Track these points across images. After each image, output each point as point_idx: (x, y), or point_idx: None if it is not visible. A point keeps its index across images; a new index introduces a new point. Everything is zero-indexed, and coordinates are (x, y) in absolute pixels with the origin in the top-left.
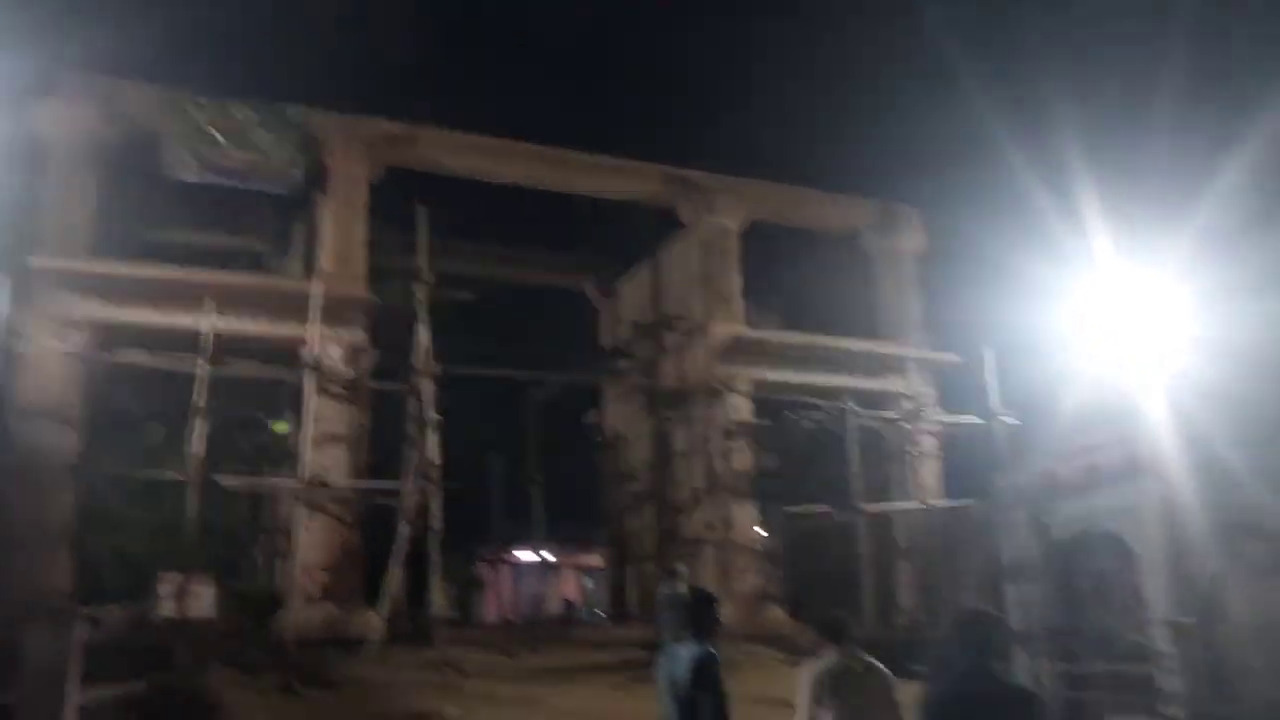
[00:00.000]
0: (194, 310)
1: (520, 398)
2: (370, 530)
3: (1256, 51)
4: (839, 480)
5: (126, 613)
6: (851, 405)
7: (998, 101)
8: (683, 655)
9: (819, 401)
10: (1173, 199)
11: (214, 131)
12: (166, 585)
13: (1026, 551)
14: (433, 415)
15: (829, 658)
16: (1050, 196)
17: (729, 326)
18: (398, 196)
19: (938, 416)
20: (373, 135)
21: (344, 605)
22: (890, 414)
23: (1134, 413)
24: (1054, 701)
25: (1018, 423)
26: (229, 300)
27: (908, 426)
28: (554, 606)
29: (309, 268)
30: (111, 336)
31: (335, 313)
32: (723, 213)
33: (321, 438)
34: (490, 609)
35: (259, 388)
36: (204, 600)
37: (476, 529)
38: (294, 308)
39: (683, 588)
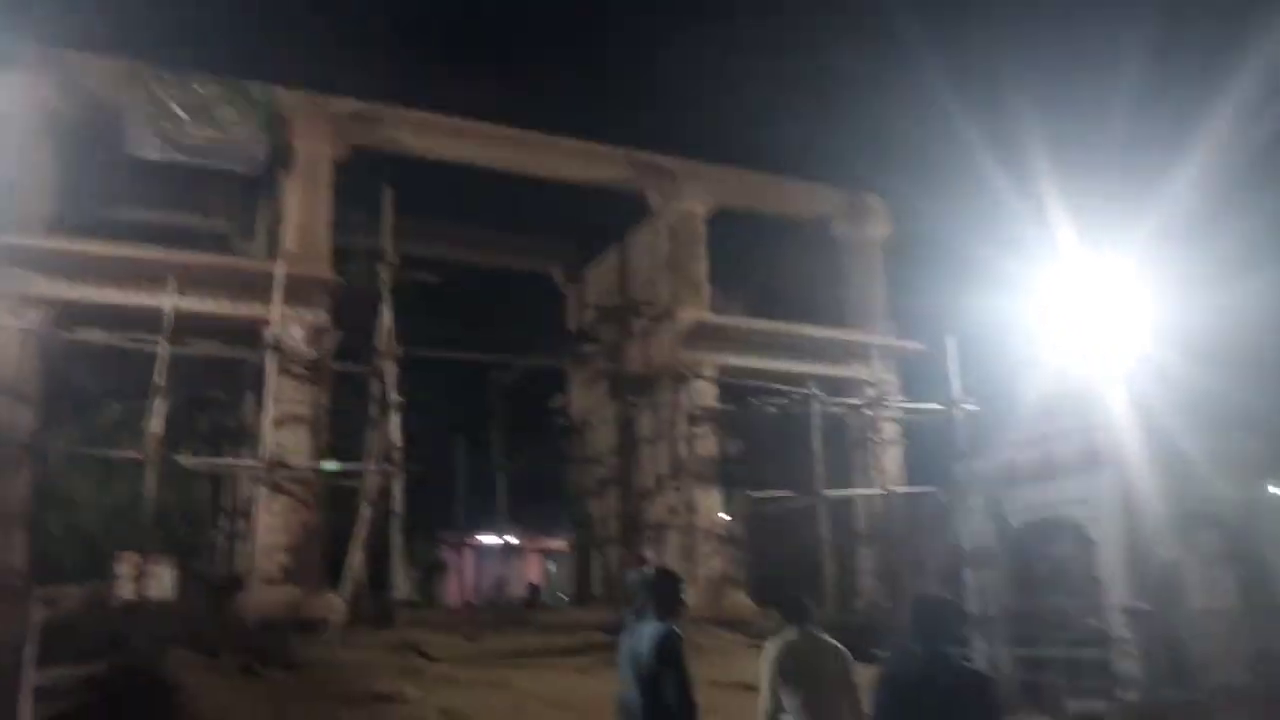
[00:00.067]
0: (154, 289)
1: (485, 381)
2: (332, 512)
3: (1216, 43)
4: (802, 466)
5: (84, 593)
6: (816, 392)
7: (963, 94)
8: (646, 633)
9: (784, 388)
10: (1134, 190)
11: (177, 108)
12: (124, 566)
13: (986, 538)
14: (395, 397)
15: (790, 636)
16: (1014, 188)
17: (695, 312)
18: (363, 177)
19: (900, 404)
20: (339, 115)
21: (305, 587)
22: (854, 401)
23: (1093, 402)
24: (1012, 685)
25: (979, 411)
26: (190, 279)
27: (871, 413)
28: (517, 590)
29: (272, 248)
30: (70, 314)
31: (298, 293)
32: (690, 198)
33: (283, 418)
34: (453, 592)
35: (220, 368)
36: (162, 581)
37: (440, 512)
38: (256, 288)
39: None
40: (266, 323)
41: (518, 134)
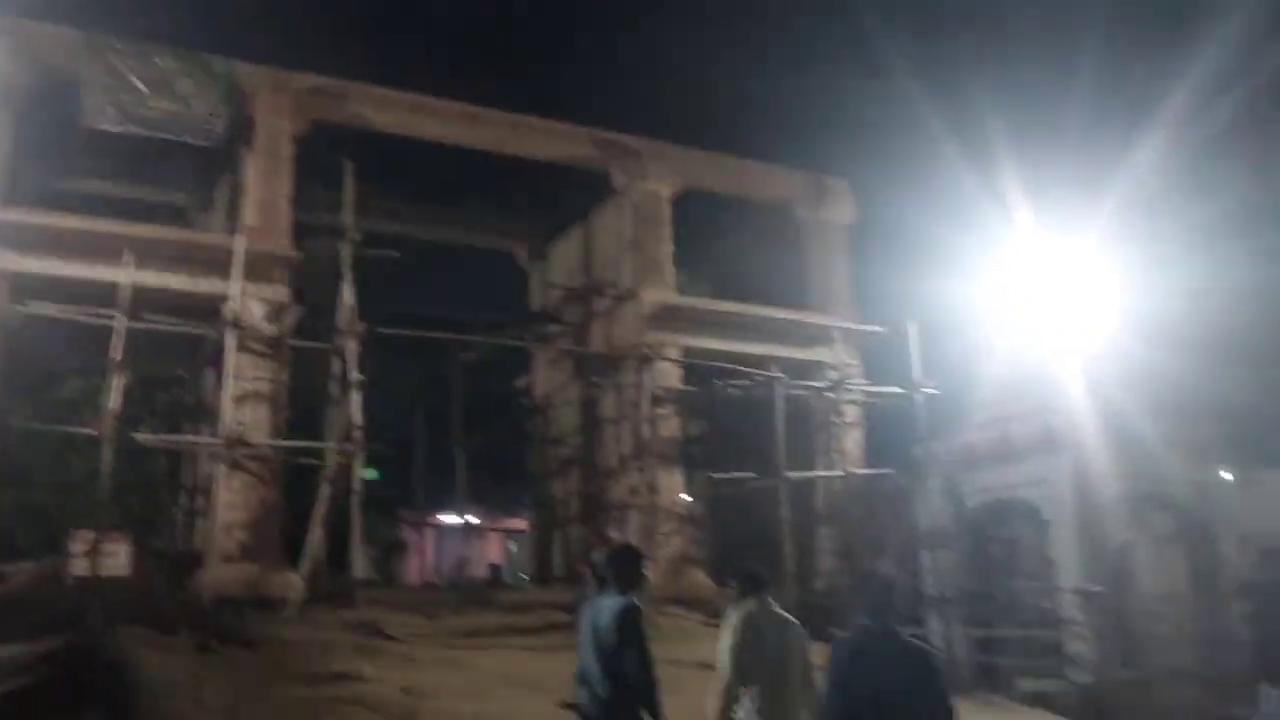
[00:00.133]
0: (111, 263)
1: (447, 360)
2: (292, 490)
3: (1174, 26)
4: (764, 447)
5: (38, 569)
6: (778, 374)
7: (926, 79)
8: (606, 606)
9: (747, 370)
10: (1093, 176)
11: (135, 80)
12: (80, 543)
13: (943, 519)
14: (356, 375)
15: (750, 607)
16: (976, 172)
17: (659, 293)
18: (325, 152)
19: (862, 387)
20: (300, 89)
21: (264, 565)
22: (816, 383)
23: (1050, 385)
24: (966, 665)
25: (939, 394)
26: (148, 254)
27: (832, 396)
28: (478, 570)
29: (232, 222)
30: (24, 287)
31: (258, 269)
32: (655, 179)
33: (243, 395)
34: (413, 571)
35: (179, 344)
36: (118, 558)
37: (400, 491)
38: (216, 263)
39: None
40: (226, 299)
41: (482, 111)
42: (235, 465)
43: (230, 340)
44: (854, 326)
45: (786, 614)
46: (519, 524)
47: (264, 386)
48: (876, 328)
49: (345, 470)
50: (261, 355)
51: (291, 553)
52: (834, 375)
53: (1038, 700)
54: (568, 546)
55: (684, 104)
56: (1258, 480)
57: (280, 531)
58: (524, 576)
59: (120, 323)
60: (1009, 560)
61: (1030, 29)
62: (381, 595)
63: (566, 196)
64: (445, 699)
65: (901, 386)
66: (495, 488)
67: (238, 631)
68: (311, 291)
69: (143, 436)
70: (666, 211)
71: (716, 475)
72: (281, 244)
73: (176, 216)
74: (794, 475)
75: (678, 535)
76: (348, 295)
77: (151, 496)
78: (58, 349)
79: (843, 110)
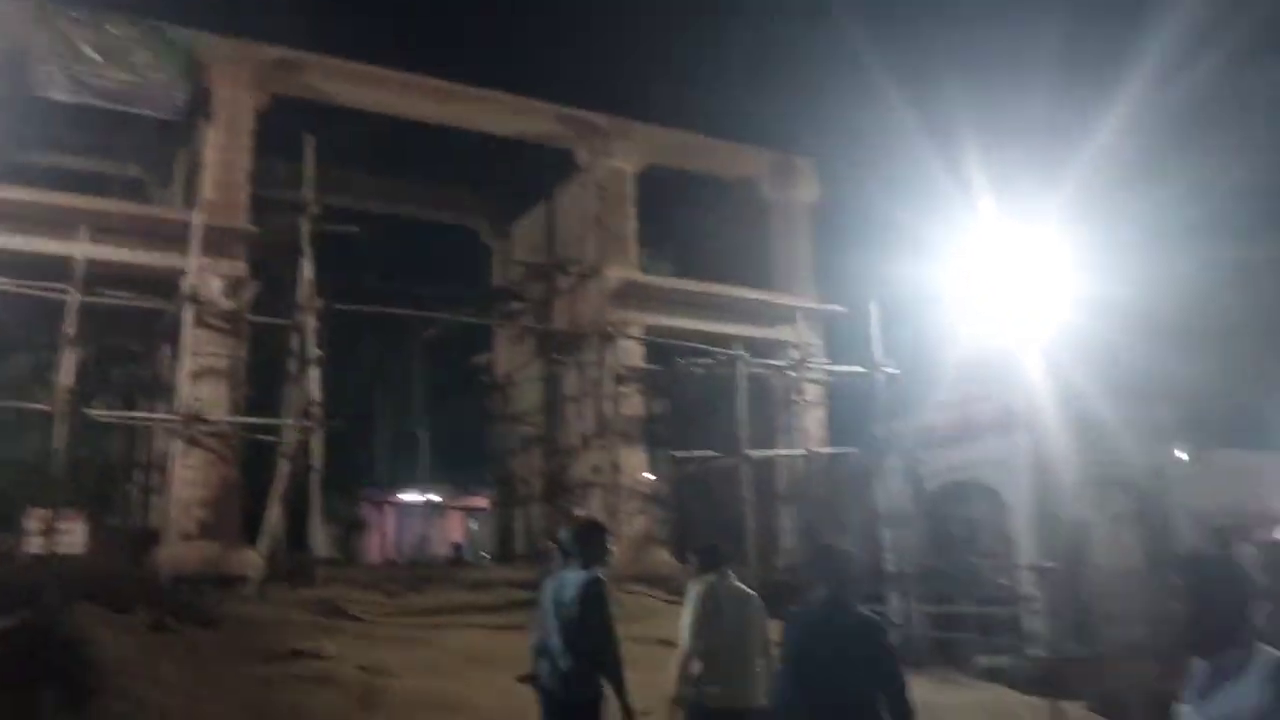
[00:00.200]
0: (65, 237)
1: (408, 337)
2: (250, 467)
3: (1133, 14)
4: (727, 426)
5: None
6: (741, 353)
7: (891, 61)
8: (570, 580)
9: (710, 348)
10: (1055, 159)
11: (89, 50)
12: (34, 521)
13: (903, 498)
14: (315, 352)
15: (711, 580)
16: (939, 155)
17: (623, 271)
18: (285, 126)
19: (824, 366)
20: (260, 62)
21: (222, 543)
22: (778, 362)
23: (1010, 367)
24: (924, 641)
25: (900, 374)
26: (103, 227)
27: (795, 375)
28: (439, 548)
29: (190, 196)
30: None
31: (216, 243)
32: (619, 156)
33: (200, 371)
34: (373, 550)
35: (135, 319)
36: (74, 536)
37: (360, 469)
38: (173, 237)
39: None
40: (183, 273)
41: (445, 86)
42: (193, 442)
43: (187, 315)
44: (817, 306)
45: (745, 588)
46: (480, 502)
47: (222, 362)
48: (839, 308)
49: (304, 447)
50: (219, 331)
51: (250, 530)
52: (796, 354)
53: (994, 675)
54: (529, 525)
55: (649, 81)
56: (1211, 460)
57: (239, 509)
58: (485, 555)
59: (74, 297)
60: (968, 538)
61: (994, 15)
62: (341, 573)
63: (530, 173)
64: (405, 676)
65: (863, 366)
66: (456, 466)
67: (196, 609)
68: (270, 267)
69: (98, 412)
70: (631, 189)
71: (679, 453)
72: (240, 218)
73: (133, 190)
74: (756, 454)
75: (640, 513)
76: (307, 271)
77: (107, 473)
78: (10, 323)
79: (809, 90)
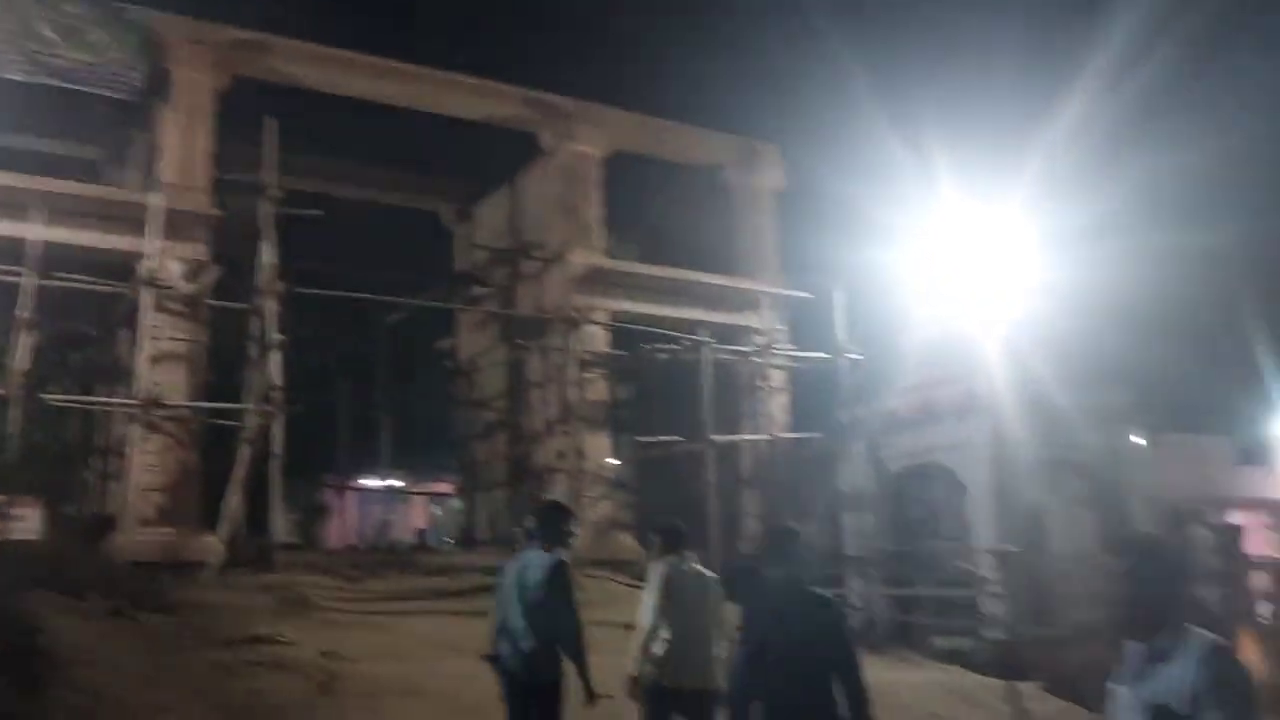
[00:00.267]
0: (20, 219)
1: (370, 321)
2: (210, 453)
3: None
4: (691, 411)
5: None
6: (706, 338)
7: (855, 46)
8: (535, 562)
9: (674, 334)
10: (1017, 146)
11: (43, 28)
12: None
13: (865, 482)
14: (276, 336)
15: (671, 561)
16: (903, 141)
17: (587, 256)
18: (245, 107)
19: (788, 352)
20: (220, 42)
21: (181, 529)
22: (743, 348)
23: (971, 352)
24: (884, 624)
25: (863, 360)
26: (60, 209)
27: (759, 361)
28: (401, 534)
29: (149, 178)
30: None
31: (176, 226)
32: (584, 140)
33: (159, 356)
34: (334, 535)
35: (92, 302)
36: (30, 522)
37: (322, 454)
38: (131, 220)
39: None
40: (142, 256)
41: (408, 68)
42: (151, 427)
43: (146, 299)
44: (781, 292)
45: (704, 570)
46: (444, 488)
47: (181, 347)
48: (803, 293)
49: (265, 432)
50: (179, 315)
51: (210, 516)
52: (761, 340)
53: (952, 657)
54: (493, 510)
55: (615, 65)
56: (1166, 444)
57: (198, 494)
58: (447, 540)
59: (29, 280)
60: (928, 522)
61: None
62: (302, 559)
63: (494, 157)
64: (366, 662)
65: (827, 352)
66: (420, 451)
67: (154, 596)
68: (231, 250)
69: (54, 397)
70: (595, 173)
71: (643, 439)
72: (200, 201)
73: (90, 171)
74: (720, 439)
75: (604, 499)
76: (268, 254)
77: (64, 459)
78: None
79: (774, 76)
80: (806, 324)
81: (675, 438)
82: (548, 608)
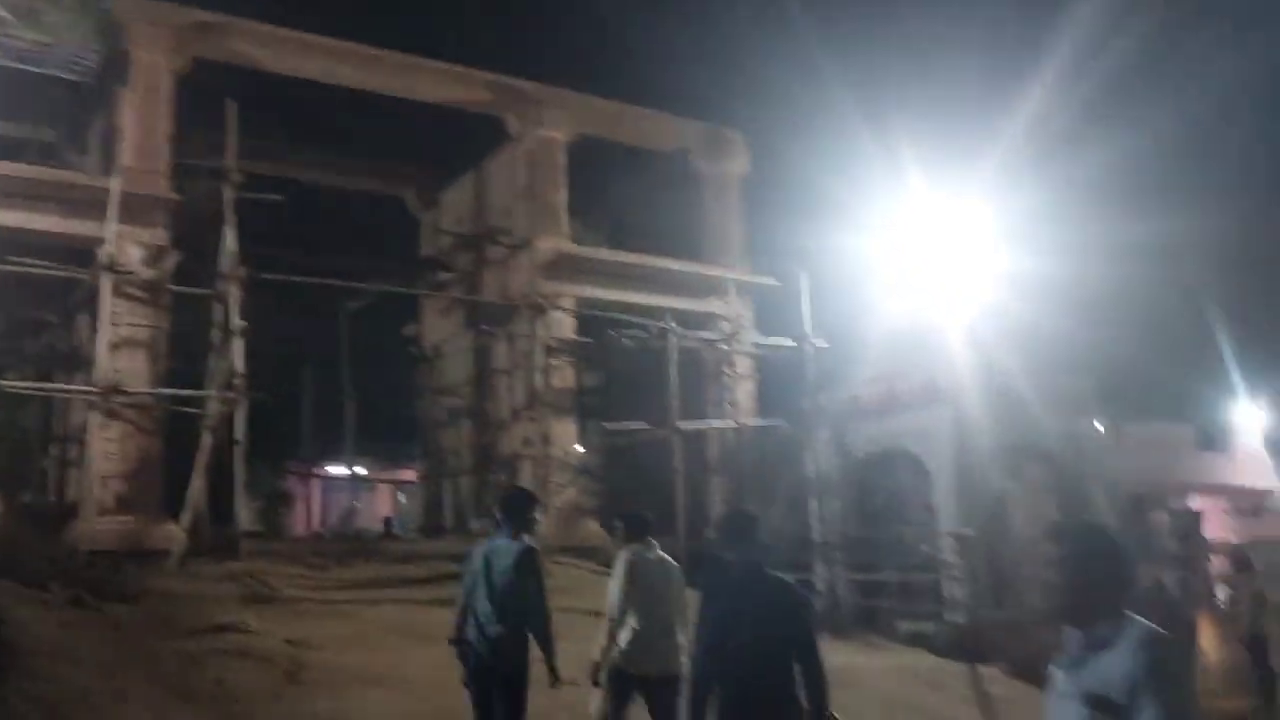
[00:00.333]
0: None
1: (333, 307)
2: (172, 440)
3: None
4: (657, 398)
5: None
6: (672, 325)
7: (822, 33)
8: (504, 548)
9: (641, 320)
10: (982, 134)
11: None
12: None
13: (830, 469)
14: (238, 322)
15: (635, 548)
16: (870, 128)
17: (554, 242)
18: (206, 91)
19: (754, 339)
20: (180, 24)
21: (143, 517)
22: (709, 335)
23: (935, 341)
24: (849, 607)
25: (829, 347)
26: (15, 193)
27: (725, 348)
28: (366, 522)
29: (107, 162)
30: None
31: (135, 211)
32: (550, 125)
33: (119, 342)
34: (299, 523)
35: (51, 288)
36: None
37: (286, 441)
38: (90, 204)
39: None
40: (101, 242)
41: (372, 51)
42: (111, 414)
43: (106, 285)
44: (747, 278)
45: (667, 557)
46: (409, 475)
47: (142, 333)
48: (769, 280)
49: (228, 419)
50: (139, 300)
51: (172, 504)
52: (727, 327)
53: (916, 640)
54: (458, 498)
55: (581, 50)
56: (1127, 431)
57: (160, 482)
58: (412, 528)
59: None
60: (893, 507)
61: None
62: (266, 547)
63: (459, 141)
64: (331, 650)
65: (793, 339)
66: (384, 438)
67: (115, 585)
68: (192, 235)
69: (12, 384)
70: (561, 159)
71: (610, 426)
72: (160, 185)
73: (47, 154)
74: (687, 426)
75: (571, 486)
76: (230, 240)
77: (22, 447)
78: None
79: (740, 62)
80: (772, 311)
81: (642, 424)
82: (517, 594)
